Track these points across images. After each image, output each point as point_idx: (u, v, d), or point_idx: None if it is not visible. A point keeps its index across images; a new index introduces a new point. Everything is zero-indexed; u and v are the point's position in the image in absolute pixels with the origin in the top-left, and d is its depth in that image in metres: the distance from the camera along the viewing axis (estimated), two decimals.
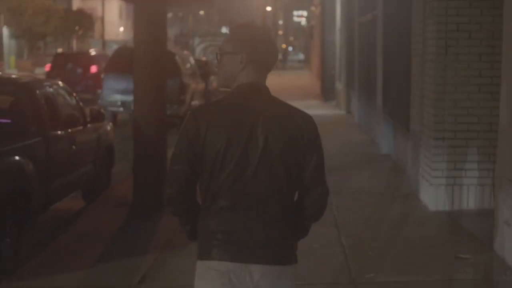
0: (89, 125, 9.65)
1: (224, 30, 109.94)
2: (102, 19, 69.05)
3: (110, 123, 11.20)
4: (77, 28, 70.86)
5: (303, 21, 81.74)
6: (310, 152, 3.22)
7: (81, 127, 9.32)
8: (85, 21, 72.46)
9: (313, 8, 54.21)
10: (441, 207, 8.64)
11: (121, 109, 18.30)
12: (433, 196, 8.65)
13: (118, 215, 8.76)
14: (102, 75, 18.67)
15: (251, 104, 3.20)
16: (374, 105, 14.83)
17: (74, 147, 8.83)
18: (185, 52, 25.57)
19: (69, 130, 8.83)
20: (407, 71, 10.53)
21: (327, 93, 27.64)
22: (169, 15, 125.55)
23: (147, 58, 8.87)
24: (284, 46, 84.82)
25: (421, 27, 9.18)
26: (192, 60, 22.12)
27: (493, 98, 8.44)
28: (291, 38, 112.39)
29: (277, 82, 31.29)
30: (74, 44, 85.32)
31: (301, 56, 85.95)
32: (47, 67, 28.49)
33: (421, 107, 9.19)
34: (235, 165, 3.14)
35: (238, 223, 3.15)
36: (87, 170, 9.45)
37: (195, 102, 20.44)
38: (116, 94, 18.21)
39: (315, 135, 3.25)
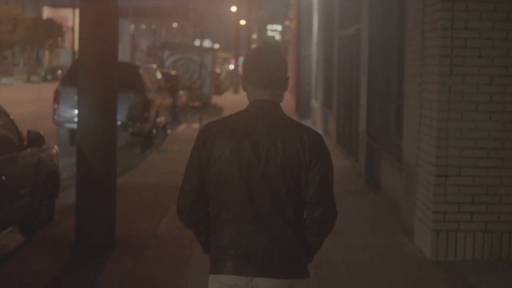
0: (27, 150, 8.17)
1: (198, 42, 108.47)
2: (73, 29, 67.32)
3: (55, 147, 9.63)
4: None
5: (277, 36, 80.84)
6: (313, 170, 3.19)
7: (14, 153, 7.81)
8: (54, 31, 70.76)
9: (288, 22, 53.04)
10: (442, 256, 7.24)
11: None
12: (432, 243, 7.24)
13: (57, 258, 7.38)
14: (59, 88, 16.99)
15: (257, 120, 3.25)
16: (356, 128, 13.42)
17: (3, 177, 7.34)
18: (152, 64, 23.91)
19: None
20: (399, 93, 9.19)
21: (302, 110, 26.51)
22: (143, 26, 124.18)
23: (93, 69, 7.41)
24: None
25: (419, 43, 7.80)
26: (158, 73, 20.56)
27: (506, 128, 7.15)
28: None
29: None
30: (46, 54, 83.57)
31: None
32: None
33: (418, 136, 7.81)
34: (240, 178, 3.19)
35: (242, 236, 3.20)
36: (22, 203, 8.00)
37: (161, 119, 18.92)
38: (74, 109, 16.50)
39: (320, 153, 3.22)
